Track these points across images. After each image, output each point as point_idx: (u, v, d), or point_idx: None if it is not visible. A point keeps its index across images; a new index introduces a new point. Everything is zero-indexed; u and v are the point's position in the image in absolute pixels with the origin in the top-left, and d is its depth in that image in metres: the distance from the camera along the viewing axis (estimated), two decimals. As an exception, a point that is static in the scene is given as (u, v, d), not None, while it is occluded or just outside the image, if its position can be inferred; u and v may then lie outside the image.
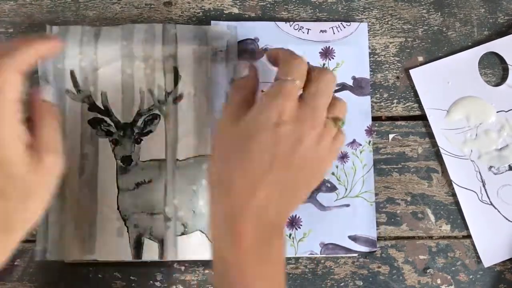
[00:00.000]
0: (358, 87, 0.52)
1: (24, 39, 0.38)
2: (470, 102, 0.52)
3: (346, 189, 0.51)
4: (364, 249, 0.50)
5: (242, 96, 0.44)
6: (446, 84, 0.52)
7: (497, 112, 0.52)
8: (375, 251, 0.51)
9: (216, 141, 0.45)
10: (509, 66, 0.52)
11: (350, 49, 0.52)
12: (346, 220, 0.50)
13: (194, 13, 0.52)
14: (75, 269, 0.50)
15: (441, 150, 0.51)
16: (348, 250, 0.50)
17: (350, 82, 0.52)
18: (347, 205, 0.51)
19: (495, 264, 0.51)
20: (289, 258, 0.51)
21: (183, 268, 0.50)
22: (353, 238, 0.50)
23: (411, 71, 0.52)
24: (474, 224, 0.51)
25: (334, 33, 0.52)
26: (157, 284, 0.50)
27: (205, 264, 0.50)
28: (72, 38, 0.50)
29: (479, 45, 0.53)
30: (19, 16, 0.52)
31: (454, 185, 0.51)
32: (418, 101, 0.52)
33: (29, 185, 0.37)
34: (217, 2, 0.53)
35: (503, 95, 0.52)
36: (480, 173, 0.51)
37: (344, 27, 0.52)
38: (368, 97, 0.52)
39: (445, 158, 0.51)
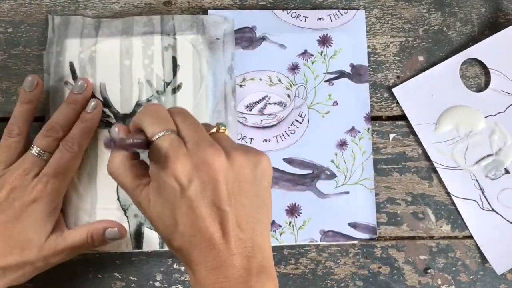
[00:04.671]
0: (356, 74, 0.52)
1: None
2: (457, 112, 0.52)
3: (345, 177, 0.51)
4: (364, 236, 0.50)
5: None
6: (430, 97, 0.52)
7: (485, 117, 0.52)
8: (375, 237, 0.50)
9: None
10: (491, 70, 0.52)
11: (348, 37, 0.52)
12: (345, 207, 0.51)
13: (193, 13, 0.52)
14: (75, 269, 0.50)
15: (435, 164, 0.51)
16: (348, 237, 0.50)
17: (348, 70, 0.52)
18: (347, 192, 0.51)
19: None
20: (289, 258, 0.51)
21: (183, 268, 0.50)
22: (353, 225, 0.50)
23: (394, 90, 0.52)
24: (480, 232, 0.51)
25: (331, 21, 0.52)
26: (157, 284, 0.50)
27: (205, 264, 0.50)
28: (73, 30, 0.50)
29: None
30: (18, 16, 0.52)
31: (453, 197, 0.51)
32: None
33: None
34: (217, 1, 0.52)
35: (488, 100, 0.52)
36: (477, 181, 0.51)
37: (342, 15, 0.52)
38: (367, 84, 0.52)
39: (440, 171, 0.51)
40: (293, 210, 0.50)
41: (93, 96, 0.50)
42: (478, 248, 0.51)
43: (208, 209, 0.35)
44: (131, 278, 0.50)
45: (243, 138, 0.51)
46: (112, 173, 0.39)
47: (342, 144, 0.51)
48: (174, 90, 0.50)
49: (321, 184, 0.51)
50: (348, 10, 0.52)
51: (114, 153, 0.39)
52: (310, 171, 0.51)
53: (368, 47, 0.53)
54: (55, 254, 0.46)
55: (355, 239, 0.50)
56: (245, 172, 0.37)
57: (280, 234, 0.50)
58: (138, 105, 0.50)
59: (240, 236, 0.36)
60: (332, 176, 0.51)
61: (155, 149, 0.36)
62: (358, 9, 0.53)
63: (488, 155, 0.51)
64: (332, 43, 0.52)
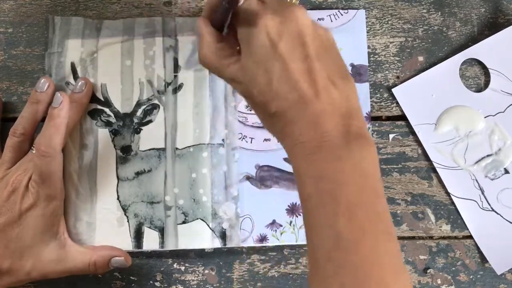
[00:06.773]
0: (356, 74, 0.52)
1: None
2: (457, 111, 0.52)
3: None
4: None
5: None
6: (430, 97, 0.52)
7: (485, 117, 0.52)
8: None
9: None
10: (490, 70, 0.52)
11: (348, 37, 0.52)
12: None
13: (194, 13, 0.52)
14: (75, 269, 0.50)
15: (435, 165, 0.51)
16: None
17: (348, 70, 0.52)
18: None
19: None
20: (289, 258, 0.51)
21: (183, 268, 0.50)
22: None
23: (394, 90, 0.52)
24: (479, 232, 0.51)
25: (331, 21, 0.52)
26: (157, 284, 0.50)
27: (205, 264, 0.50)
28: (74, 31, 0.51)
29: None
30: (18, 16, 0.52)
31: (453, 197, 0.51)
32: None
33: None
34: (217, 1, 0.53)
35: (488, 100, 0.52)
36: (477, 181, 0.51)
37: (342, 15, 0.52)
38: (367, 84, 0.52)
39: (440, 171, 0.51)
40: (293, 210, 0.50)
41: (93, 96, 0.50)
42: (478, 248, 0.51)
43: (299, 64, 0.35)
44: (131, 278, 0.50)
45: (243, 138, 0.51)
46: (203, 59, 0.40)
47: None
48: (175, 90, 0.50)
49: (322, 184, 0.51)
50: (348, 10, 0.52)
51: (202, 41, 0.40)
52: None
53: (368, 47, 0.53)
54: (51, 271, 0.46)
55: None
56: (325, 33, 0.38)
57: (281, 234, 0.50)
58: (138, 104, 0.50)
59: (332, 93, 0.35)
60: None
61: (242, 11, 0.37)
62: (358, 9, 0.53)
63: (488, 155, 0.51)
64: None
